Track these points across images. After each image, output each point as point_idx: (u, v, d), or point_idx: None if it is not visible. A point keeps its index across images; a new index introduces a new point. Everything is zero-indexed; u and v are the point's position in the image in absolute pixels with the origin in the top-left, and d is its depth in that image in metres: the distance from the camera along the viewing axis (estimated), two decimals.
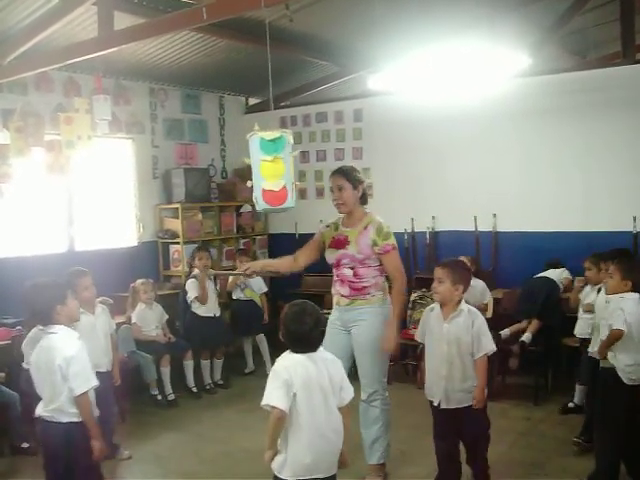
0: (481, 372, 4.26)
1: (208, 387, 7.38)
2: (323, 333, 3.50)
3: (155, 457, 5.68)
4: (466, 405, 4.26)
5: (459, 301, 4.34)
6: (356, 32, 7.40)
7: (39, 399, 4.18)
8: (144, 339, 6.94)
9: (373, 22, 6.58)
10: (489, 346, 4.28)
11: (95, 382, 3.93)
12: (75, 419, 3.85)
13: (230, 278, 7.86)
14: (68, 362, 3.81)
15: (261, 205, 4.30)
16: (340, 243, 4.89)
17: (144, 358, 6.79)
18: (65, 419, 3.85)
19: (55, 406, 3.85)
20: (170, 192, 8.60)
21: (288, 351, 3.44)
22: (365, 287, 4.81)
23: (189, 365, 7.26)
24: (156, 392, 6.91)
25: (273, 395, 3.29)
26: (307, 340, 3.40)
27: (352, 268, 4.81)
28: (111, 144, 8.15)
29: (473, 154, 7.81)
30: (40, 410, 3.92)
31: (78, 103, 6.68)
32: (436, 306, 4.43)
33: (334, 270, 4.96)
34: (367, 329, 4.79)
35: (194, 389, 7.25)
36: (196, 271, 7.33)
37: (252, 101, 9.90)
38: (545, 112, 7.35)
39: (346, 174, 4.94)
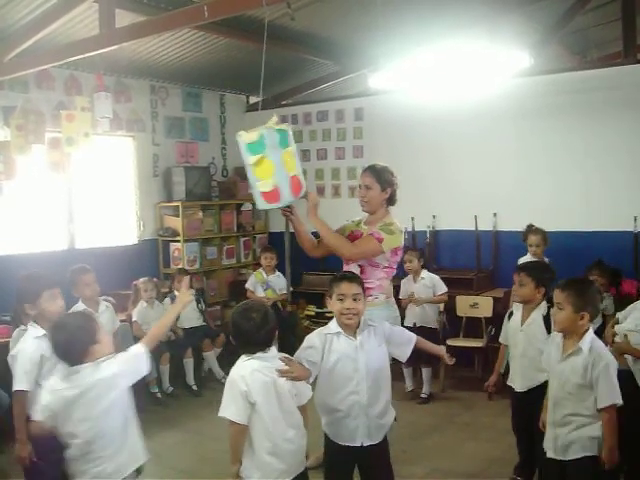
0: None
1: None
2: (272, 332, 3.43)
3: (155, 455, 5.59)
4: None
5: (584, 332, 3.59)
6: (357, 31, 7.40)
7: None
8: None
9: (374, 21, 6.57)
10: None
11: (25, 387, 3.79)
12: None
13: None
14: (14, 359, 3.87)
15: (261, 204, 4.32)
16: (355, 239, 4.82)
17: None
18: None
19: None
20: (170, 190, 8.61)
21: (242, 357, 3.40)
22: (369, 289, 4.71)
23: (189, 363, 7.27)
24: (156, 390, 6.92)
25: (231, 408, 3.28)
26: (255, 338, 3.35)
27: (360, 266, 4.76)
28: (112, 142, 8.16)
29: (474, 153, 7.82)
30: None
31: (79, 101, 6.69)
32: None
33: (344, 266, 4.89)
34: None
35: (194, 387, 7.26)
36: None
37: (253, 99, 9.89)
38: (546, 112, 7.34)
39: (377, 174, 4.77)
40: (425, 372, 6.80)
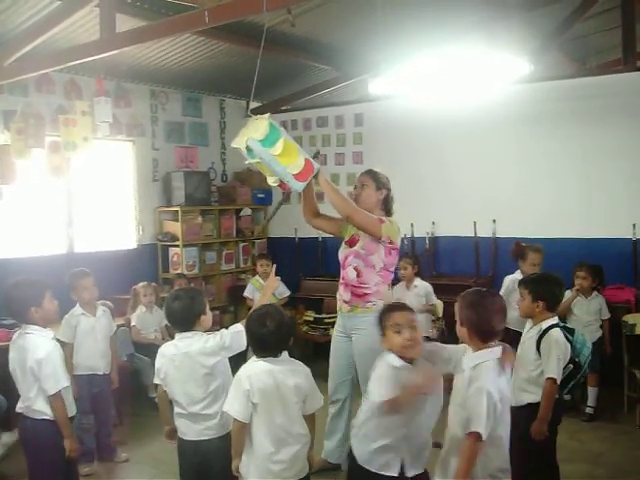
0: None
1: None
2: (285, 339, 3.46)
3: (153, 459, 5.67)
4: None
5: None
6: (357, 37, 7.41)
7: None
8: (142, 342, 6.94)
9: (375, 27, 6.57)
10: None
11: (65, 383, 3.98)
12: (47, 417, 3.93)
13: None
14: (39, 364, 3.88)
15: (299, 186, 4.42)
16: (353, 241, 4.92)
17: (142, 361, 6.77)
18: (37, 416, 3.94)
19: (28, 404, 3.95)
20: (170, 195, 8.61)
21: (253, 357, 3.48)
22: (366, 294, 4.79)
23: None
24: (154, 395, 6.88)
25: (234, 405, 3.37)
26: (267, 343, 3.41)
27: (356, 269, 4.81)
28: (111, 146, 8.16)
29: (473, 160, 7.82)
30: (19, 406, 4.03)
31: (79, 105, 6.69)
32: None
33: (341, 272, 4.98)
34: (366, 337, 4.73)
35: None
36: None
37: (253, 105, 9.89)
38: (545, 118, 7.36)
39: (373, 174, 4.96)
40: None
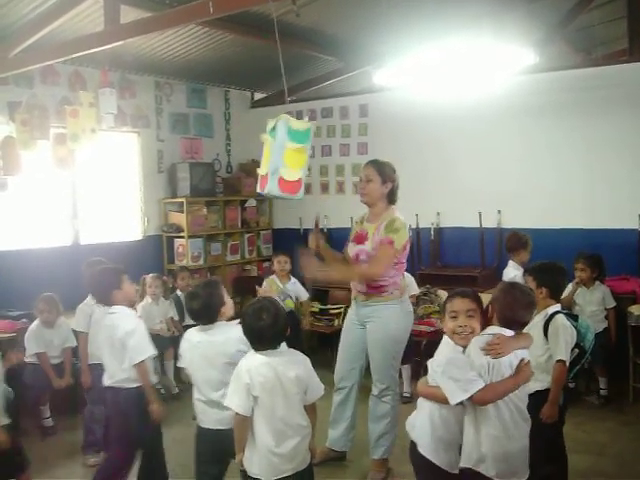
0: None
1: None
2: (282, 331, 3.46)
3: None
4: None
5: None
6: (362, 27, 7.39)
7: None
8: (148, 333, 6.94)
9: (379, 17, 6.57)
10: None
11: (151, 352, 4.33)
12: (137, 385, 4.27)
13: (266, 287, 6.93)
14: (129, 335, 4.24)
15: (273, 189, 4.13)
16: (361, 238, 4.87)
17: None
18: (130, 385, 4.27)
19: (121, 375, 4.28)
20: (175, 186, 8.62)
21: (252, 351, 3.48)
22: (382, 286, 4.75)
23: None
24: (159, 386, 6.90)
25: (234, 399, 3.40)
26: (263, 336, 3.42)
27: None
28: (116, 138, 8.17)
29: (478, 150, 7.81)
30: (107, 380, 4.37)
31: (84, 96, 6.70)
32: None
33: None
34: (382, 326, 4.77)
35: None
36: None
37: (258, 96, 9.90)
38: (550, 109, 7.34)
39: (378, 167, 4.84)
40: (404, 370, 6.44)
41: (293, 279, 7.05)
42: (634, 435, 5.68)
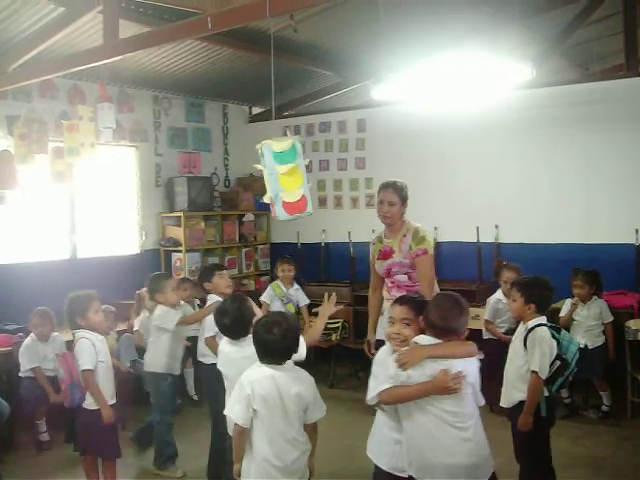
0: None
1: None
2: (291, 348, 3.49)
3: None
4: None
5: None
6: (360, 43, 7.43)
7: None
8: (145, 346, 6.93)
9: (377, 33, 6.59)
10: None
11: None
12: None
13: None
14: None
15: (281, 215, 4.22)
16: (387, 254, 5.11)
17: None
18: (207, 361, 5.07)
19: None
20: (173, 200, 8.62)
21: (258, 362, 3.49)
22: (414, 286, 4.96)
23: (190, 373, 7.23)
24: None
25: (235, 409, 3.41)
26: (272, 351, 3.44)
27: (406, 273, 5.03)
28: (114, 152, 8.18)
29: (476, 165, 7.82)
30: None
31: (82, 111, 6.70)
32: None
33: (386, 279, 5.19)
34: None
35: (195, 397, 7.24)
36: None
37: (255, 110, 9.92)
38: (548, 124, 7.36)
39: (398, 190, 5.09)
40: None
41: (296, 285, 7.45)
42: (633, 450, 5.67)
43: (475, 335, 7.08)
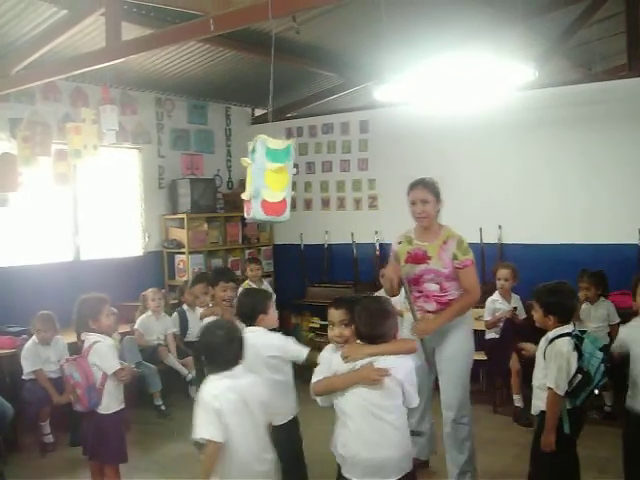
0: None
1: None
2: (239, 349, 3.48)
3: (159, 467, 5.67)
4: None
5: None
6: (362, 44, 7.43)
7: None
8: (145, 345, 6.95)
9: (379, 34, 6.59)
10: None
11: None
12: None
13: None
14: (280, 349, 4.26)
15: (257, 214, 4.04)
16: (419, 258, 4.75)
17: (149, 369, 6.77)
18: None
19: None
20: (176, 202, 8.63)
21: (210, 377, 3.44)
22: (450, 300, 4.69)
23: (191, 376, 7.21)
24: (160, 402, 6.88)
25: (209, 428, 3.29)
26: (219, 354, 3.42)
27: (438, 283, 4.70)
28: (117, 154, 8.19)
29: (478, 166, 7.82)
30: None
31: (85, 113, 6.71)
32: None
33: (413, 286, 4.76)
34: (452, 344, 4.72)
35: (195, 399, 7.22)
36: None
37: (258, 112, 9.93)
38: (551, 124, 7.35)
39: (431, 188, 4.88)
40: None
41: (265, 282, 7.88)
42: None
43: (479, 335, 7.13)
